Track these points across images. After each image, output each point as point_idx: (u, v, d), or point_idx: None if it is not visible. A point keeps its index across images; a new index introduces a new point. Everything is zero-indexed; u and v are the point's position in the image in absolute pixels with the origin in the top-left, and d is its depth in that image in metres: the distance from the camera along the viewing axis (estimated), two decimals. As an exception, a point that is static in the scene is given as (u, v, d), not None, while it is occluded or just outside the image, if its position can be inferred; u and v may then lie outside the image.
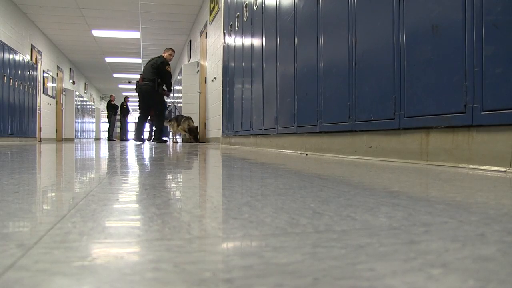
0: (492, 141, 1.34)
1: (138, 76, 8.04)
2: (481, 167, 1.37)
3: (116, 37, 11.06)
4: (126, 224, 0.55)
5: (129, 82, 18.39)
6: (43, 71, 10.87)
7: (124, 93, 20.14)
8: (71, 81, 14.99)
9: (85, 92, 18.06)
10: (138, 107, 7.93)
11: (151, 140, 7.69)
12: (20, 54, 8.44)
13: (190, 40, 10.12)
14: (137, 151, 3.58)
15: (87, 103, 18.60)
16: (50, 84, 11.66)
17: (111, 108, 15.93)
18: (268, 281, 0.32)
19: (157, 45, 11.27)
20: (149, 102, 7.55)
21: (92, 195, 0.78)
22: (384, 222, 0.54)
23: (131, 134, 12.22)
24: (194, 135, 7.93)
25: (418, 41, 1.70)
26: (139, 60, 13.76)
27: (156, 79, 7.46)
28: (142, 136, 7.84)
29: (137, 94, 7.81)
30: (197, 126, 8.04)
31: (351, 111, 2.21)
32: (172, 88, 8.08)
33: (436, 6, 1.59)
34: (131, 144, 6.98)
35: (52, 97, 11.99)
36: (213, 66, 7.04)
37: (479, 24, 1.37)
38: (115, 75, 16.89)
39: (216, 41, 6.73)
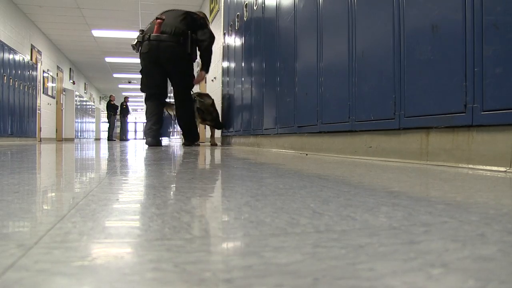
0: (492, 141, 1.34)
1: (142, 30, 4.51)
2: (481, 167, 1.36)
3: (116, 37, 11.06)
4: (126, 224, 0.55)
5: (129, 82, 18.39)
6: (43, 71, 10.87)
7: (124, 93, 20.15)
8: (71, 81, 14.99)
9: (85, 92, 18.07)
10: (143, 85, 4.56)
11: (183, 144, 4.84)
12: (20, 54, 8.44)
13: (190, 40, 10.10)
14: (135, 151, 3.58)
15: (87, 103, 18.60)
16: (50, 84, 11.66)
17: (111, 108, 15.95)
18: (268, 281, 0.32)
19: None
20: (173, 72, 4.33)
21: (92, 195, 0.78)
22: (384, 222, 0.54)
23: (131, 134, 11.80)
24: (212, 119, 4.93)
25: (418, 41, 1.70)
26: (139, 60, 13.74)
27: (190, 35, 4.33)
28: (160, 136, 4.74)
29: (141, 58, 4.45)
30: (212, 101, 5.12)
31: (351, 111, 2.21)
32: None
33: (436, 6, 1.59)
34: (131, 144, 6.98)
35: (52, 97, 12.00)
36: (213, 66, 7.03)
37: (479, 24, 1.37)
38: (115, 75, 16.89)
39: (216, 41, 6.73)
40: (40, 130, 10.34)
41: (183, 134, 4.92)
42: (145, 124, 4.90)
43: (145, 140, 4.83)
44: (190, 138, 4.73)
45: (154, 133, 4.61)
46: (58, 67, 12.76)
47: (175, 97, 4.76)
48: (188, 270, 0.34)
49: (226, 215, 0.61)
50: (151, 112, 4.65)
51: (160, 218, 0.56)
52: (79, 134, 16.11)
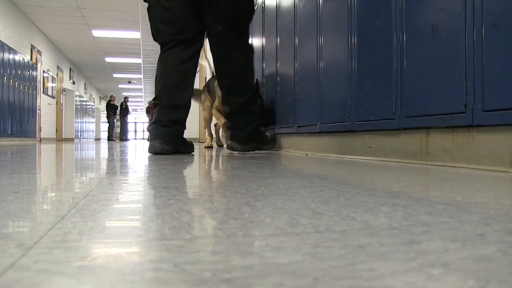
0: (492, 141, 1.34)
1: None
2: (481, 167, 1.36)
3: (116, 37, 11.07)
4: (126, 224, 0.55)
5: (129, 82, 18.40)
6: (43, 71, 10.87)
7: (124, 93, 20.16)
8: (71, 81, 15.00)
9: (85, 92, 18.07)
10: (156, 30, 2.66)
11: (228, 147, 2.76)
12: (20, 54, 8.44)
13: (190, 40, 10.07)
14: (135, 151, 3.57)
15: (87, 103, 18.61)
16: (50, 84, 11.66)
17: (111, 108, 15.99)
18: (268, 281, 0.32)
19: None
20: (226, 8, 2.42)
21: (92, 195, 0.78)
22: (384, 222, 0.54)
23: (130, 134, 11.54)
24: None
25: (418, 41, 1.70)
26: (139, 60, 13.76)
27: None
28: (182, 140, 2.63)
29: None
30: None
31: (351, 111, 2.21)
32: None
33: (436, 6, 1.59)
34: (130, 144, 6.97)
35: (52, 97, 12.00)
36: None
37: (479, 24, 1.37)
38: (115, 75, 16.90)
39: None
40: (40, 130, 10.34)
41: (229, 123, 2.74)
42: (154, 109, 2.66)
43: (148, 145, 2.60)
44: (258, 133, 2.51)
45: (169, 136, 2.51)
46: (58, 67, 12.76)
47: (216, 45, 2.61)
48: (188, 270, 0.34)
49: (226, 215, 0.61)
50: (170, 86, 2.50)
51: (160, 218, 0.56)
52: (79, 134, 16.11)
